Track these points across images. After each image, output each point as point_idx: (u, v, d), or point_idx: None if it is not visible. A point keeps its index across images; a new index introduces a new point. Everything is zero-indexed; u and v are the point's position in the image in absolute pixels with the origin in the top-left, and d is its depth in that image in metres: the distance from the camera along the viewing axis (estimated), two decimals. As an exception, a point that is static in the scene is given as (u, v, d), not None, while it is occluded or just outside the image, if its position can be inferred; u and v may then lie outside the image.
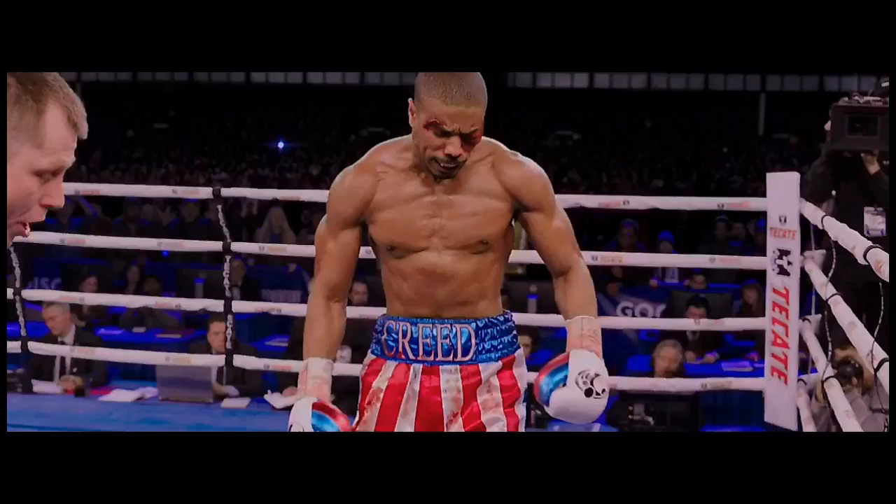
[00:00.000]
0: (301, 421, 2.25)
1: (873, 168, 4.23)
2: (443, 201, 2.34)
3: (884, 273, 2.02)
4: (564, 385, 2.17)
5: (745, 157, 23.77)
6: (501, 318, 2.44)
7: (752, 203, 4.26)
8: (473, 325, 2.39)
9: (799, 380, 4.06)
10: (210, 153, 24.01)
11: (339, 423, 2.25)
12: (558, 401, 2.18)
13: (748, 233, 10.53)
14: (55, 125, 1.31)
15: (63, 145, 1.32)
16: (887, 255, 2.15)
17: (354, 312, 5.81)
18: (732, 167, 22.41)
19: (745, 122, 28.55)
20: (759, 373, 5.50)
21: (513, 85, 29.49)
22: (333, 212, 2.41)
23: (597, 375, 2.18)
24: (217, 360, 4.61)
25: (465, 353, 2.37)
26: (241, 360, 4.59)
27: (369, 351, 2.50)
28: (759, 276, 7.84)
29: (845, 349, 3.70)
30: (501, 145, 2.42)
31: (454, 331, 2.37)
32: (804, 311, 4.12)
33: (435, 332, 2.37)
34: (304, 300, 6.41)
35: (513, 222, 2.44)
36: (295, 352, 5.57)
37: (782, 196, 4.04)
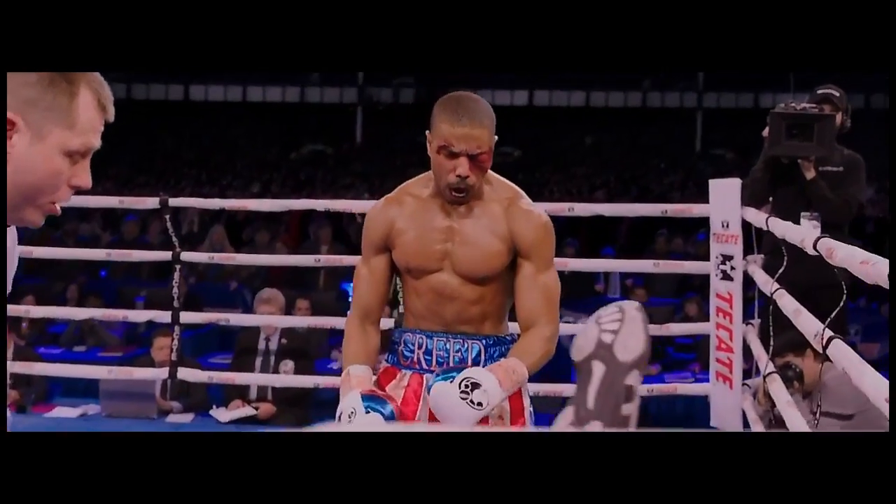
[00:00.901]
0: (353, 405, 2.36)
1: (810, 174, 4.31)
2: (456, 228, 2.52)
3: (836, 260, 2.06)
4: (449, 382, 2.32)
5: (683, 173, 24.11)
6: (508, 338, 2.59)
7: (694, 209, 4.31)
8: (483, 341, 2.55)
9: (743, 384, 4.11)
10: (149, 171, 23.76)
11: (392, 405, 2.38)
12: (436, 391, 2.34)
13: (693, 244, 10.69)
14: (86, 107, 1.36)
15: (92, 127, 1.37)
16: (837, 242, 2.19)
17: (300, 323, 5.80)
18: (671, 183, 22.73)
19: (682, 139, 28.95)
20: (700, 382, 5.58)
21: (453, 102, 29.62)
22: (366, 240, 2.62)
23: (480, 387, 2.30)
24: (160, 373, 4.56)
25: (474, 365, 2.49)
26: (185, 373, 4.54)
27: (383, 360, 2.66)
28: (700, 289, 7.99)
29: (785, 356, 3.75)
30: (522, 194, 2.58)
31: (465, 345, 2.54)
32: (747, 317, 4.18)
33: (448, 346, 2.54)
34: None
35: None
36: (239, 365, 5.53)
37: (724, 202, 4.10)
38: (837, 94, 4.41)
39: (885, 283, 1.62)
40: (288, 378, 5.19)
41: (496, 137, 2.50)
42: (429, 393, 2.38)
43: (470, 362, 2.52)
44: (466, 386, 2.31)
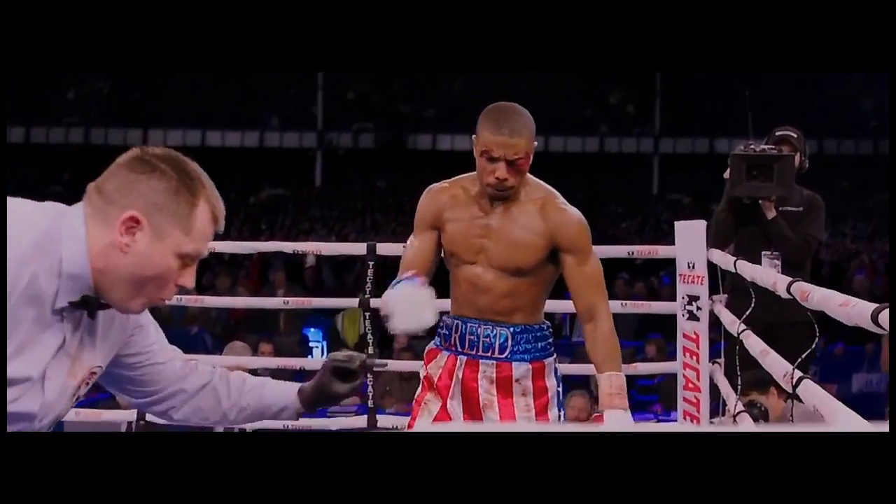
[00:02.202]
0: (385, 294, 2.67)
1: (770, 213, 4.39)
2: (493, 226, 2.81)
3: (811, 303, 2.09)
4: None
5: (641, 218, 24.32)
6: (537, 327, 2.88)
7: (661, 251, 4.37)
8: (511, 329, 2.83)
9: (710, 422, 4.15)
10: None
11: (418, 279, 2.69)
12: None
13: (652, 287, 10.77)
14: (202, 218, 1.52)
15: (205, 235, 1.54)
16: (811, 285, 2.23)
17: (267, 364, 5.77)
18: (629, 227, 22.91)
19: (639, 184, 29.23)
20: (665, 421, 5.61)
21: (413, 146, 29.73)
22: (418, 217, 2.92)
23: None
24: (129, 416, 4.52)
25: (501, 351, 2.83)
26: (153, 416, 4.51)
27: (431, 342, 2.98)
28: (662, 329, 8.04)
29: (749, 394, 3.80)
30: (556, 193, 2.87)
31: (495, 332, 2.82)
32: (713, 356, 4.22)
33: (479, 331, 2.83)
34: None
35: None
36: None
37: (690, 243, 4.16)
38: (795, 136, 4.50)
39: (868, 325, 1.63)
40: (260, 423, 5.15)
41: (535, 143, 2.77)
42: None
43: (497, 347, 2.82)
44: None
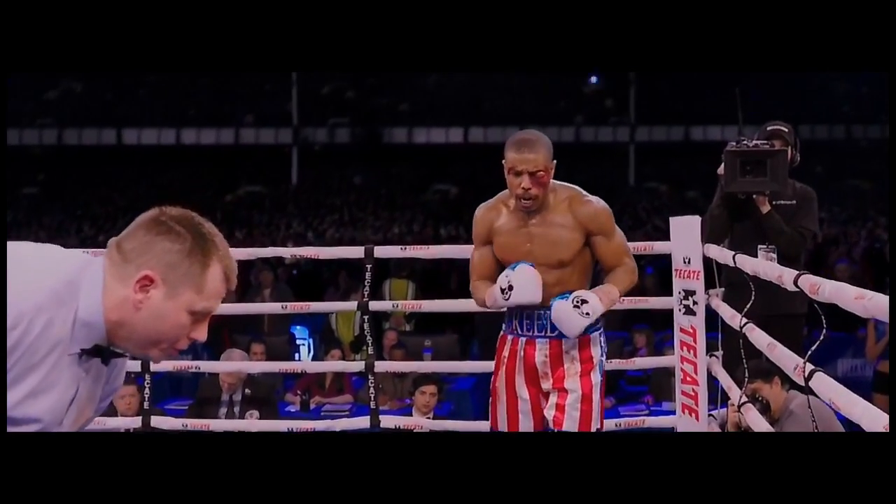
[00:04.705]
0: (505, 274, 3.37)
1: (765, 208, 4.44)
2: (533, 233, 3.42)
3: (822, 296, 2.12)
4: (565, 300, 3.30)
5: (618, 207, 24.39)
6: None
7: (656, 246, 4.40)
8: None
9: (709, 415, 4.19)
10: (83, 217, 23.44)
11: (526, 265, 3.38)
12: (556, 305, 3.32)
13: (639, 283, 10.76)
14: (214, 278, 1.61)
15: (217, 295, 1.63)
16: (820, 278, 2.26)
17: (271, 369, 5.77)
18: (608, 216, 22.91)
19: (616, 173, 29.32)
20: (654, 414, 5.65)
21: (388, 141, 29.70)
22: (475, 234, 3.55)
23: (586, 302, 3.28)
24: (133, 422, 4.52)
25: (552, 331, 3.43)
26: (158, 421, 4.52)
27: (501, 330, 3.58)
28: (649, 319, 8.08)
29: (753, 382, 3.84)
30: (578, 189, 3.46)
31: (546, 314, 3.41)
32: (708, 349, 4.26)
33: (533, 317, 3.45)
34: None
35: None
36: (201, 413, 5.48)
37: (685, 238, 4.19)
38: (786, 130, 4.54)
39: (885, 317, 1.67)
40: (261, 423, 5.17)
41: (555, 162, 3.34)
42: (550, 310, 3.34)
43: (549, 328, 3.42)
44: (577, 301, 3.28)
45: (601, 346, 3.50)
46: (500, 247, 3.48)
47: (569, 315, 3.28)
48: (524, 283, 3.32)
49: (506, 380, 3.53)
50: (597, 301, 3.29)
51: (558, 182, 3.44)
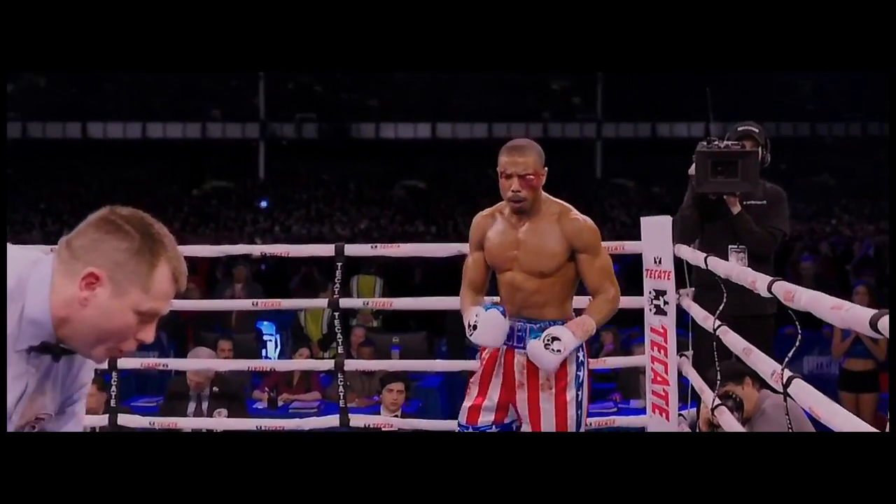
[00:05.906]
0: (476, 311, 3.47)
1: (736, 208, 4.45)
2: (521, 239, 3.52)
3: (798, 304, 2.11)
4: (538, 339, 3.39)
5: (585, 203, 24.46)
6: (561, 321, 3.49)
7: (627, 246, 4.39)
8: (539, 324, 3.50)
9: (679, 415, 4.20)
10: (46, 212, 23.19)
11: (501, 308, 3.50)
12: (530, 346, 3.42)
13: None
14: (161, 278, 1.61)
15: (164, 296, 1.62)
16: (795, 285, 2.25)
17: (239, 366, 5.73)
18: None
19: (583, 169, 29.42)
20: (623, 412, 5.65)
21: (357, 136, 29.62)
22: (471, 239, 3.67)
23: (557, 339, 3.36)
24: (100, 421, 4.47)
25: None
26: (125, 419, 4.48)
27: None
28: (616, 318, 8.08)
29: (724, 385, 3.84)
30: (569, 207, 3.56)
31: (526, 327, 3.52)
32: (678, 349, 4.26)
33: (515, 327, 3.52)
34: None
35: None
36: (170, 410, 5.45)
37: (656, 238, 4.18)
38: (757, 130, 4.55)
39: (866, 330, 1.64)
40: (230, 422, 5.13)
41: (546, 168, 3.48)
42: (525, 349, 3.44)
43: (527, 339, 3.46)
44: (548, 339, 3.36)
45: (578, 362, 3.54)
46: (489, 251, 3.59)
47: (542, 354, 3.38)
48: (487, 329, 3.43)
49: (481, 378, 3.62)
50: (569, 336, 3.38)
51: (553, 198, 3.56)
